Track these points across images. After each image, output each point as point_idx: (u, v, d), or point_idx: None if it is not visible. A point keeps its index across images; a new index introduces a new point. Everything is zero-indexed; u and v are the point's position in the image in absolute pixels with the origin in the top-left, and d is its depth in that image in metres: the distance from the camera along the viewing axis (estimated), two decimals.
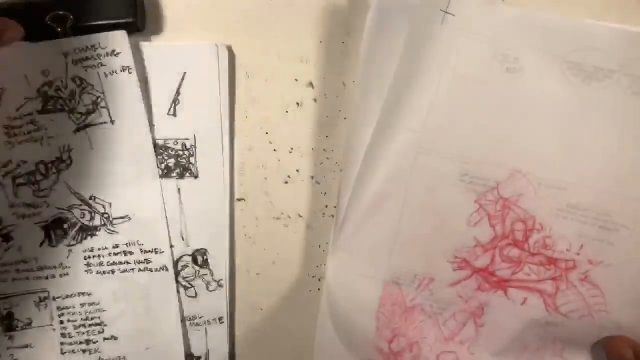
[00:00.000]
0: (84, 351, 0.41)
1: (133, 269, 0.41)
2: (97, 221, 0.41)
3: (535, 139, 0.38)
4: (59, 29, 0.40)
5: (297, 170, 0.42)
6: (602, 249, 0.37)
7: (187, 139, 0.41)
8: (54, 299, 0.40)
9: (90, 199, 0.40)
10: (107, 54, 0.40)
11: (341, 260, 0.38)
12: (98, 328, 0.41)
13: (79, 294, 0.41)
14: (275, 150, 0.42)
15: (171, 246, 0.41)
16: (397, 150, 0.38)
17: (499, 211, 0.38)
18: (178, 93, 0.41)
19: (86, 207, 0.41)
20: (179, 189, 0.41)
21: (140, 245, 0.41)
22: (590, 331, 0.38)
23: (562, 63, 0.38)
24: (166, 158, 0.41)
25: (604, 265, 0.37)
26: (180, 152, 0.41)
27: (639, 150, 0.37)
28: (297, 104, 0.42)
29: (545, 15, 0.38)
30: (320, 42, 0.42)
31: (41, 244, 0.40)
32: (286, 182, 0.42)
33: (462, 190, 0.38)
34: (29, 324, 0.40)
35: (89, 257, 0.41)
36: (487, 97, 0.38)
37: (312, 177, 0.42)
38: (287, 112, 0.42)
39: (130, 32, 0.40)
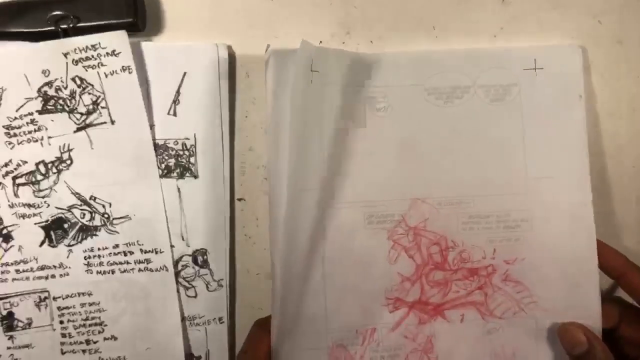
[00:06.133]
0: (84, 351, 0.41)
1: (133, 269, 0.41)
2: (97, 221, 0.41)
3: (420, 164, 0.40)
4: (59, 29, 0.40)
5: None
6: (512, 247, 0.40)
7: (187, 139, 0.41)
8: (54, 299, 0.40)
9: (90, 199, 0.40)
10: (107, 54, 0.40)
11: (284, 342, 0.38)
12: (98, 328, 0.41)
13: (79, 294, 0.40)
14: None
15: (171, 246, 0.41)
16: (307, 212, 0.38)
17: (412, 241, 0.40)
18: (178, 93, 0.41)
19: (86, 207, 0.41)
20: (179, 189, 0.41)
21: (140, 245, 0.41)
22: (528, 325, 0.40)
23: (422, 90, 0.40)
24: (166, 158, 0.41)
25: (519, 261, 0.40)
26: (180, 152, 0.41)
27: (510, 150, 0.40)
28: None
29: (394, 52, 0.41)
30: (320, 42, 0.42)
31: (41, 244, 0.40)
32: None
33: (373, 232, 0.40)
34: (29, 324, 0.40)
35: (89, 257, 0.41)
36: (367, 140, 0.40)
37: None
38: None
39: (130, 32, 0.40)
